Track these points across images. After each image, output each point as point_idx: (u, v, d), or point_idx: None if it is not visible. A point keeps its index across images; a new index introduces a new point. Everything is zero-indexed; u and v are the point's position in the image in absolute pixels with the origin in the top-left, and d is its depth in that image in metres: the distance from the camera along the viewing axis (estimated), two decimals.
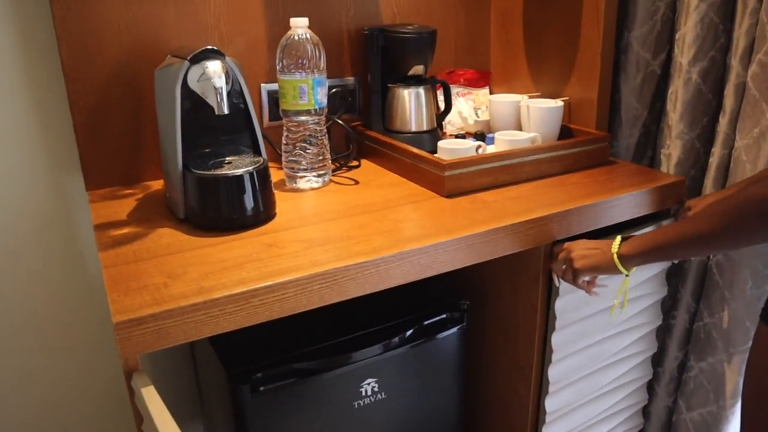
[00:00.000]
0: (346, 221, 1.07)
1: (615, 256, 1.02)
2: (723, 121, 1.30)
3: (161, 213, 1.12)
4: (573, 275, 1.09)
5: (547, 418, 1.27)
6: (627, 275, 1.04)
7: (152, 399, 0.78)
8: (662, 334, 1.49)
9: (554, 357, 1.21)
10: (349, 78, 1.46)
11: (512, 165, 1.24)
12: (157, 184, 1.28)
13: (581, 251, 1.08)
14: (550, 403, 1.26)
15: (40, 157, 1.26)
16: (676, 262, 1.41)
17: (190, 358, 1.50)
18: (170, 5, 1.23)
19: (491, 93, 1.66)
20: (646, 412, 1.56)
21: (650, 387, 1.53)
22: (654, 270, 1.33)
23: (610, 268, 1.03)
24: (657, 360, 1.51)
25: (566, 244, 1.11)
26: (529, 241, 1.09)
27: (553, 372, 1.22)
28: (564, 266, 1.11)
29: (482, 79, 1.64)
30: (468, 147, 1.25)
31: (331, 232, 1.02)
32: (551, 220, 1.10)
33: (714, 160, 1.33)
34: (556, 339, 1.19)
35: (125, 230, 1.05)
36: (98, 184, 1.25)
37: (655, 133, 1.48)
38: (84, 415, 1.45)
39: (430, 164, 1.19)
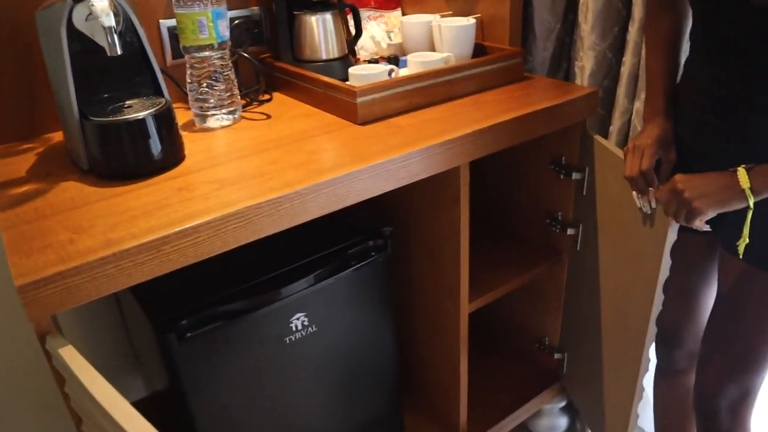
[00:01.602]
0: (258, 157, 1.04)
1: (748, 191, 0.92)
2: (632, 30, 1.32)
3: (63, 166, 1.07)
4: (689, 215, 0.97)
5: None
6: (751, 208, 0.94)
7: (73, 358, 0.76)
8: None
9: None
10: (254, 8, 1.40)
11: (426, 87, 1.23)
12: (57, 136, 1.21)
13: (699, 189, 0.96)
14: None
15: None
16: None
17: (117, 310, 1.47)
18: None
19: (404, 15, 1.63)
20: None
21: None
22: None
23: (738, 204, 0.94)
24: None
25: (676, 179, 0.99)
26: (446, 162, 1.09)
27: None
28: (675, 205, 1.00)
29: (393, 0, 1.59)
30: (380, 72, 1.23)
31: (243, 170, 0.99)
32: (467, 139, 1.10)
33: (625, 69, 1.35)
34: None
35: (25, 188, 0.99)
36: None
37: (569, 46, 1.49)
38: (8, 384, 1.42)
39: (342, 92, 1.16)
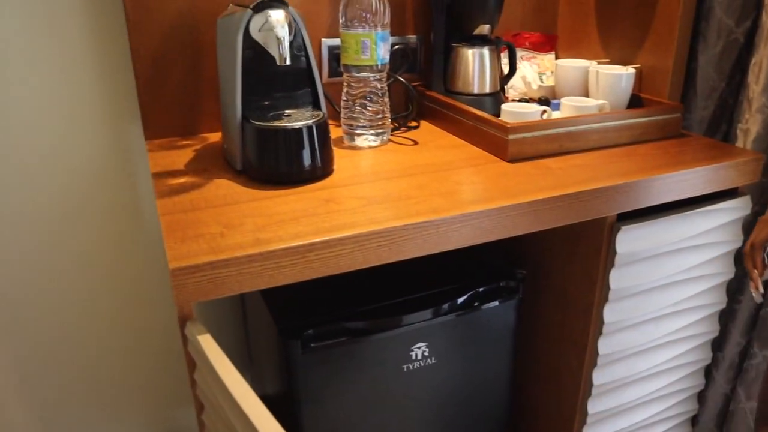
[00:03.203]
0: (404, 180, 1.04)
1: None
2: None
3: (218, 164, 1.11)
4: None
5: (594, 391, 1.23)
6: None
7: (209, 346, 0.78)
8: (725, 317, 1.43)
9: (605, 329, 1.17)
10: (411, 36, 1.42)
11: (578, 132, 1.19)
12: (214, 137, 1.27)
13: None
14: (598, 376, 1.22)
15: (101, 105, 1.27)
16: None
17: (240, 313, 1.51)
18: None
19: (557, 58, 1.60)
20: (701, 396, 1.51)
21: (708, 372, 1.47)
22: (723, 249, 1.26)
23: None
24: (717, 344, 1.45)
25: None
26: (594, 211, 1.04)
27: (603, 344, 1.18)
28: None
29: (548, 43, 1.57)
30: (533, 111, 1.20)
31: (390, 191, 0.99)
32: (617, 190, 1.05)
33: None
34: (608, 310, 1.15)
35: (182, 179, 1.04)
36: (157, 134, 1.25)
37: (731, 107, 1.40)
38: (140, 363, 1.48)
39: (494, 127, 1.15)
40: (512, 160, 1.13)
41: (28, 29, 1.18)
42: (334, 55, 1.32)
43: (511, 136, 1.11)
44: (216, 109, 1.27)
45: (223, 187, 1.01)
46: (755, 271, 1.10)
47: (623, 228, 1.10)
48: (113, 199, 1.33)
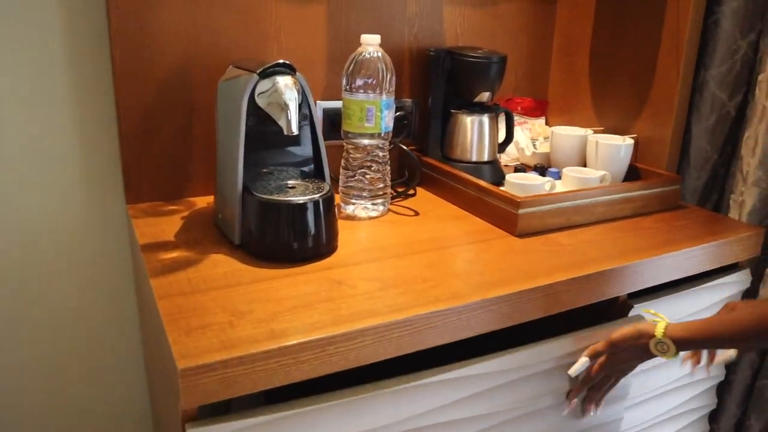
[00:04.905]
0: (415, 258, 0.98)
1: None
2: None
3: (212, 236, 1.03)
4: None
5: None
6: None
7: None
8: (721, 389, 1.41)
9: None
10: (406, 99, 1.38)
11: (584, 205, 1.16)
12: (201, 201, 1.20)
13: None
14: None
15: (79, 164, 1.17)
16: None
17: None
18: (232, 12, 1.15)
19: (547, 123, 1.59)
20: None
21: None
22: None
23: None
24: (713, 416, 1.42)
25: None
26: (609, 290, 1.01)
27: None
28: None
29: (539, 108, 1.56)
30: (540, 183, 1.17)
31: (403, 271, 0.93)
32: (633, 269, 1.02)
33: None
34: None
35: (175, 254, 0.96)
36: (140, 197, 1.17)
37: (723, 177, 1.41)
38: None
39: (501, 200, 1.11)
40: (521, 235, 1.09)
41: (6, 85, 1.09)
42: (329, 117, 1.27)
43: (521, 211, 1.08)
44: (205, 171, 1.20)
45: (222, 264, 0.93)
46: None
47: (635, 306, 1.07)
48: (84, 270, 1.23)
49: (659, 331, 0.89)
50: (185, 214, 1.13)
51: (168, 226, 1.07)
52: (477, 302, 0.86)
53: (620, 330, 0.94)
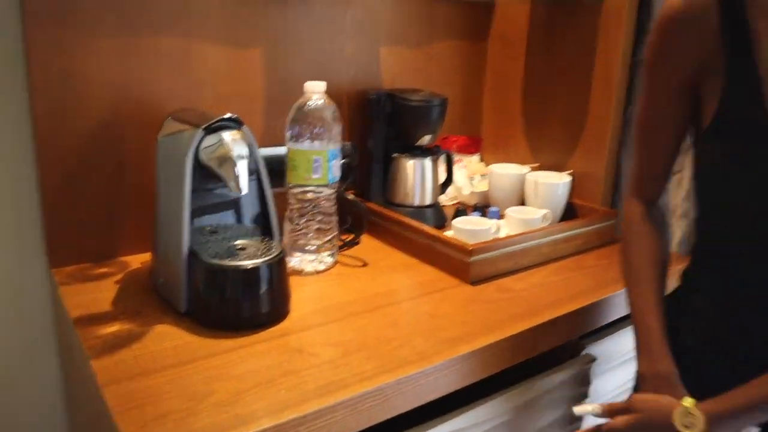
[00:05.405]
0: (374, 316, 0.95)
1: None
2: None
3: (153, 303, 0.96)
4: None
5: None
6: None
7: None
8: None
9: None
10: (346, 143, 1.35)
11: (531, 247, 1.17)
12: (134, 261, 1.11)
13: None
14: None
15: None
16: None
17: None
18: (164, 60, 1.09)
19: (482, 160, 1.60)
20: None
21: None
22: None
23: None
24: None
25: None
26: (568, 335, 1.02)
27: None
28: None
29: (473, 145, 1.57)
30: (487, 228, 1.17)
31: (364, 332, 0.90)
32: (588, 312, 1.03)
33: None
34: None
35: (115, 327, 0.88)
36: (65, 261, 1.07)
37: None
38: None
39: (452, 248, 1.09)
40: (474, 282, 1.08)
41: None
42: (269, 164, 1.21)
43: (472, 258, 1.07)
44: (136, 227, 1.12)
45: (170, 337, 0.86)
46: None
47: (588, 346, 1.08)
48: (4, 339, 1.11)
49: (688, 400, 0.75)
50: (119, 277, 1.05)
51: (101, 293, 0.99)
52: (444, 363, 0.83)
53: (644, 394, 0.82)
